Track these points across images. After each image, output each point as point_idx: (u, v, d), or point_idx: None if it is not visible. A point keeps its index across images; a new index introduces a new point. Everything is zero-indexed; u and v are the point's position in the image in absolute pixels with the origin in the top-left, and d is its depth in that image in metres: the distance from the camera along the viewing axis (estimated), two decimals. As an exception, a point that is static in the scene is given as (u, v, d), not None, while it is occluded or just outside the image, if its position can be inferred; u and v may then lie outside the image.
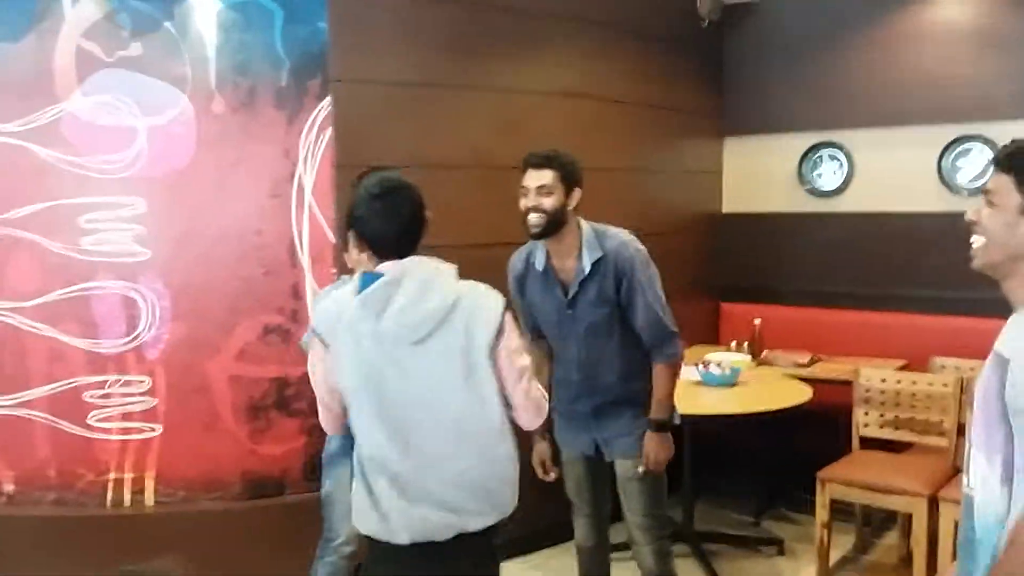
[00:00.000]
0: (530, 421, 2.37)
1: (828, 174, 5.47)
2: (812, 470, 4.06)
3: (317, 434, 3.87)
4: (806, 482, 4.13)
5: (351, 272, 2.99)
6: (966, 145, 4.92)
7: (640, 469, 3.08)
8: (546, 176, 2.99)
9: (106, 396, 3.74)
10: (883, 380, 4.27)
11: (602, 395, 3.15)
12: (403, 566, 2.26)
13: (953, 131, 4.96)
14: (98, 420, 3.77)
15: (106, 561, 3.66)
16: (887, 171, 5.25)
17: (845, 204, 5.41)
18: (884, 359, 4.68)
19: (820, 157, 5.50)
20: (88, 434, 3.76)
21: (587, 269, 3.01)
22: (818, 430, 4.28)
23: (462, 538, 2.24)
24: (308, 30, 3.88)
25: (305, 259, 3.92)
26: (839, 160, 5.43)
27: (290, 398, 3.92)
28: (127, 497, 3.80)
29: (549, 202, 2.97)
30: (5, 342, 3.71)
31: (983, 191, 1.66)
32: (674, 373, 3.09)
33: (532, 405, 2.33)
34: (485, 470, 2.25)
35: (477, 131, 4.31)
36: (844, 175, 5.41)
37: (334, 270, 3.92)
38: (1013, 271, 1.59)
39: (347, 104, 3.95)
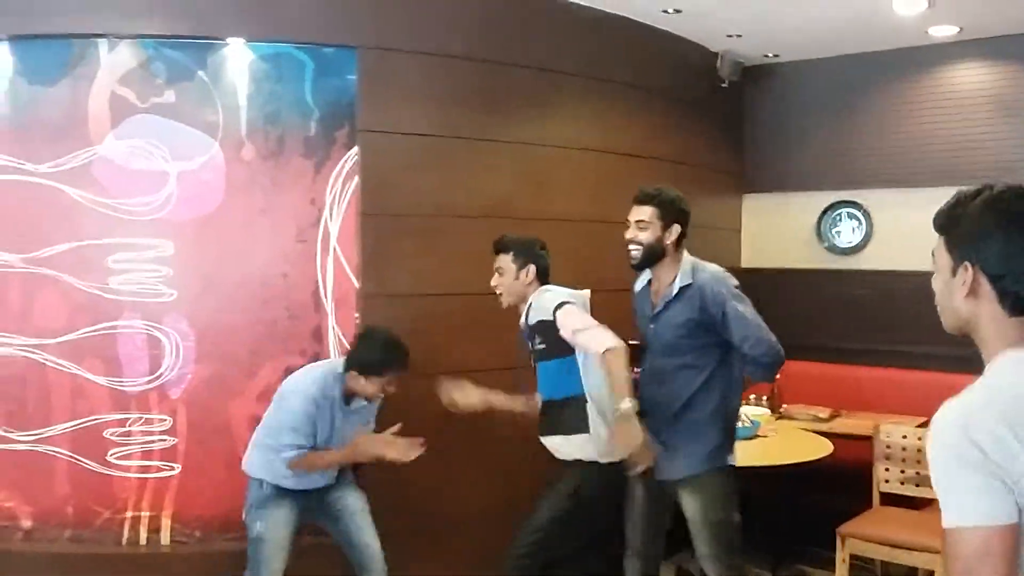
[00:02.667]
0: None
1: (847, 232, 5.51)
2: (831, 525, 4.01)
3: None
4: (824, 537, 4.08)
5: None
6: (984, 206, 4.94)
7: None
8: (645, 211, 3.25)
9: (127, 434, 3.77)
10: (904, 436, 4.23)
11: (666, 413, 3.25)
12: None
13: (970, 192, 4.99)
14: (118, 458, 3.79)
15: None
16: (906, 230, 5.27)
17: (864, 262, 5.44)
18: (904, 416, 4.65)
19: (839, 215, 5.55)
20: (107, 471, 3.79)
21: (674, 292, 3.23)
22: (837, 485, 4.23)
23: None
24: (338, 82, 3.98)
25: (329, 303, 3.96)
26: (858, 219, 5.48)
27: (309, 441, 3.93)
28: (143, 536, 3.80)
29: (646, 235, 3.25)
30: (29, 378, 3.76)
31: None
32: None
33: None
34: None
35: (499, 183, 4.37)
36: (863, 233, 5.45)
37: (357, 315, 3.96)
38: (972, 334, 1.51)
39: (374, 154, 4.02)
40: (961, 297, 1.49)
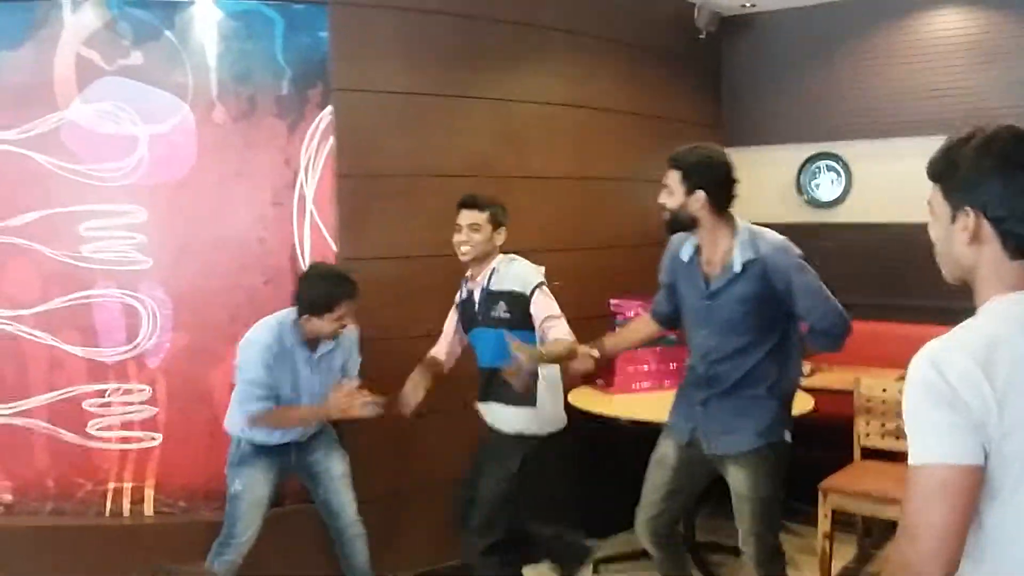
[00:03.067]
0: None
1: (826, 185, 5.49)
2: (813, 481, 4.05)
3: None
4: (807, 492, 4.12)
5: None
6: (964, 155, 4.94)
7: None
8: (671, 176, 3.08)
9: (106, 405, 3.73)
10: (884, 390, 4.26)
11: (720, 388, 3.09)
12: None
13: (950, 142, 4.98)
14: (98, 429, 3.75)
15: (104, 572, 3.65)
16: (885, 182, 5.26)
17: (843, 215, 5.43)
18: (884, 369, 4.68)
19: (818, 168, 5.52)
20: (87, 443, 3.75)
21: (738, 268, 3.00)
22: (819, 440, 4.25)
23: None
24: (309, 39, 3.88)
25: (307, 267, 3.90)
26: (837, 171, 5.45)
27: (290, 407, 3.90)
28: (126, 507, 3.78)
29: (671, 200, 3.06)
30: (5, 351, 3.70)
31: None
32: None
33: None
34: None
35: (477, 140, 4.31)
36: (842, 186, 5.43)
37: (335, 278, 3.91)
38: (972, 281, 1.53)
39: (348, 113, 3.94)
40: (963, 243, 1.49)
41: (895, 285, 5.11)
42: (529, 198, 4.40)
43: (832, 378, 4.70)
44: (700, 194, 3.02)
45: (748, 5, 5.55)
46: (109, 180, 3.70)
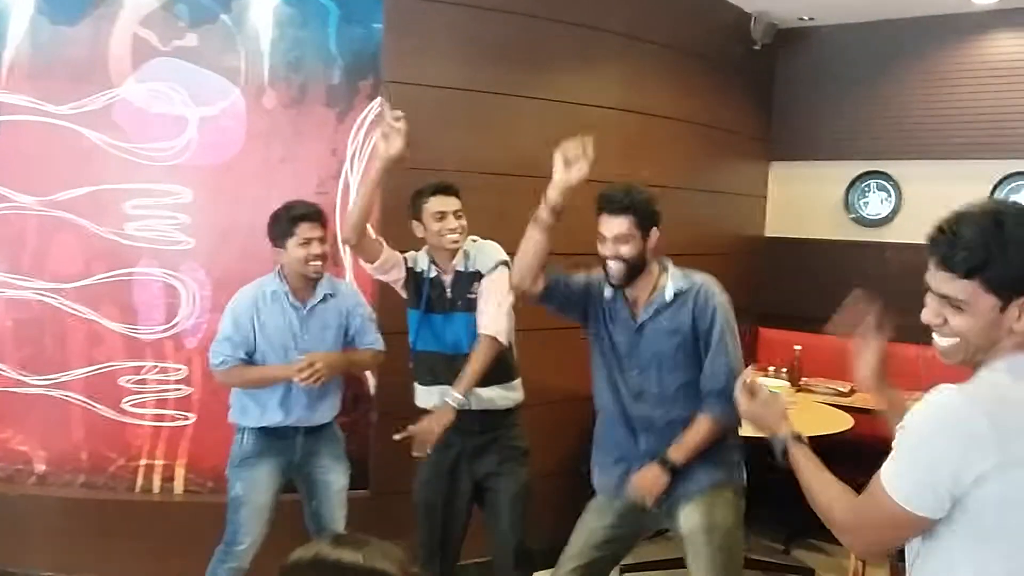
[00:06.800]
0: None
1: (875, 203, 5.41)
2: (848, 500, 3.97)
3: (348, 430, 3.85)
4: (840, 513, 4.03)
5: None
6: (1019, 181, 4.84)
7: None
8: (621, 222, 2.80)
9: (142, 382, 3.75)
10: (924, 414, 4.16)
11: (660, 434, 2.83)
12: None
13: (1005, 167, 4.89)
14: (132, 405, 3.78)
15: (132, 547, 3.67)
16: (936, 204, 5.03)
17: (892, 234, 5.34)
18: (923, 392, 4.59)
19: (868, 186, 5.44)
20: (122, 419, 3.78)
21: (669, 298, 2.82)
22: (855, 460, 4.17)
23: None
24: (363, 30, 3.89)
25: (347, 257, 3.91)
26: (887, 190, 5.37)
27: (325, 394, 3.90)
28: (156, 484, 3.80)
29: (627, 248, 2.79)
30: (45, 323, 3.73)
31: (940, 296, 1.57)
32: (713, 432, 2.82)
33: None
34: None
35: (526, 140, 4.27)
36: (892, 205, 5.34)
37: (375, 268, 3.90)
38: (988, 355, 1.56)
39: (398, 106, 3.88)
40: (1021, 327, 1.48)
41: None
42: (575, 200, 4.36)
43: (871, 399, 4.61)
44: (655, 232, 2.81)
45: (806, 19, 5.48)
46: (157, 159, 3.73)
